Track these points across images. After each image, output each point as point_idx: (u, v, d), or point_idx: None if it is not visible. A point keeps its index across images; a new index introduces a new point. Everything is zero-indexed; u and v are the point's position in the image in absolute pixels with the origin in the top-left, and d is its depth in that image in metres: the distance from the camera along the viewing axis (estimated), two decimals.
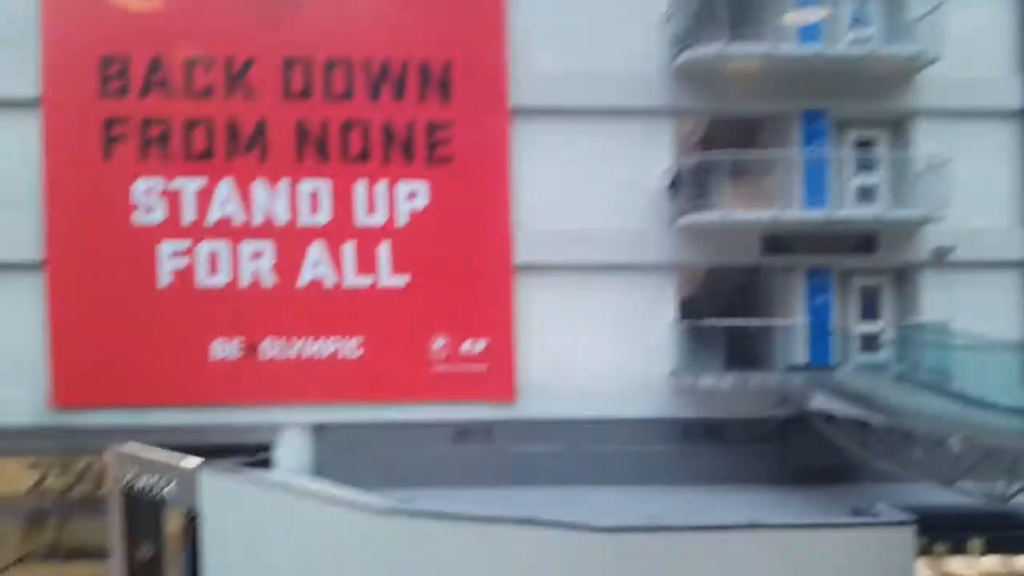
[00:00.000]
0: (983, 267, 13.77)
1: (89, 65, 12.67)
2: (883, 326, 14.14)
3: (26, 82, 12.65)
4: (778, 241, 13.45)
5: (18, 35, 12.70)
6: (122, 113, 12.69)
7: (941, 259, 13.61)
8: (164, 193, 12.72)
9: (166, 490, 15.27)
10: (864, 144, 14.09)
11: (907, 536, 10.02)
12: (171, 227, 12.72)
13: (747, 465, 13.48)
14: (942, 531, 11.72)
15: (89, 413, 12.73)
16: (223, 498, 12.41)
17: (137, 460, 15.89)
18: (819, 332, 13.58)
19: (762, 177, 13.43)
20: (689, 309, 15.41)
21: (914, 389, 11.57)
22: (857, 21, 13.50)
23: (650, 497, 12.54)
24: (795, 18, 13.19)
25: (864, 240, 13.49)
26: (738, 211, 12.80)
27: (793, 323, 13.44)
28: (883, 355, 14.00)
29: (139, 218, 12.69)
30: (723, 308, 15.60)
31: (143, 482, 15.76)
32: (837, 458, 12.95)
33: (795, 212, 12.77)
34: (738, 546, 9.95)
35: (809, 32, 13.16)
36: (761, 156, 13.45)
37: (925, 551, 11.49)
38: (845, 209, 13.22)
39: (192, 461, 13.46)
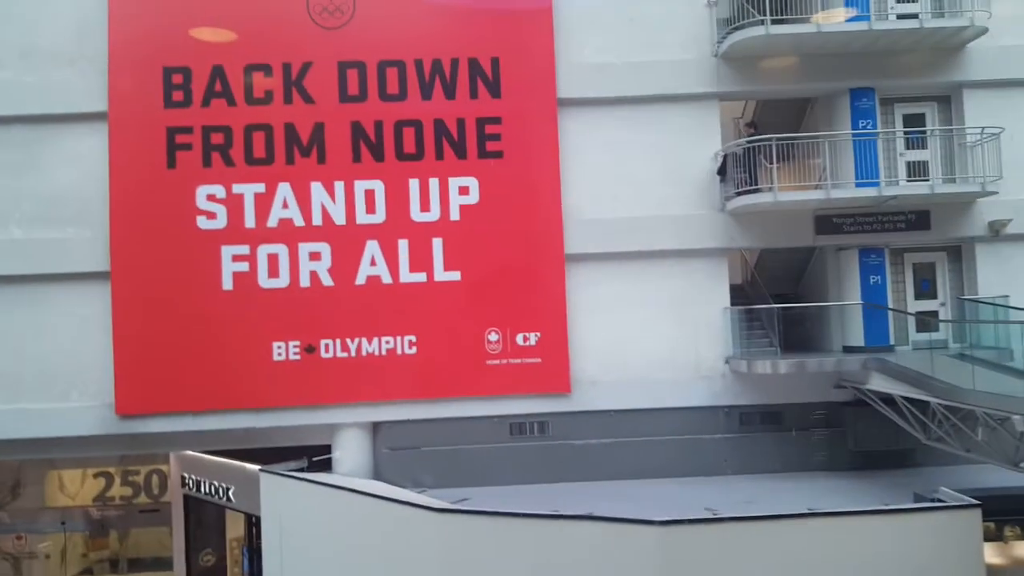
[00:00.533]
0: None
1: (153, 77, 13.22)
2: (940, 303, 13.99)
3: (93, 97, 13.23)
4: (830, 222, 13.43)
5: (86, 51, 13.32)
6: (185, 122, 13.19)
7: (996, 233, 13.45)
8: (226, 199, 13.14)
9: (227, 495, 15.66)
10: (913, 119, 14.03)
11: (974, 520, 9.84)
12: (233, 232, 13.12)
13: (806, 452, 13.39)
14: (1011, 514, 11.42)
15: (153, 420, 13.06)
16: (283, 501, 12.68)
17: (198, 466, 16.35)
18: (875, 312, 13.44)
19: (812, 158, 13.44)
20: (743, 293, 15.50)
21: (974, 367, 11.39)
22: None
23: (708, 488, 12.51)
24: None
25: (917, 217, 13.40)
26: (788, 193, 12.78)
27: (848, 304, 13.32)
28: (940, 333, 13.90)
29: (202, 224, 13.12)
30: (777, 290, 15.68)
31: (204, 488, 16.21)
32: (898, 442, 12.82)
33: (846, 192, 12.70)
34: (798, 535, 9.86)
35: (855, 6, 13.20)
36: (809, 138, 13.46)
37: (993, 536, 11.19)
38: (897, 185, 13.14)
39: (252, 466, 13.81)
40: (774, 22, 12.75)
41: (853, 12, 12.98)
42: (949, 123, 13.94)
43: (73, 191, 13.29)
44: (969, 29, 12.82)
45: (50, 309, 13.22)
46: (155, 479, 17.91)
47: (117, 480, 17.98)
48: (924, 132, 13.56)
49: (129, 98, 13.21)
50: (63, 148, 13.34)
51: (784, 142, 13.03)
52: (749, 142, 13.06)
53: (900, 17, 13.69)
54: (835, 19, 13.07)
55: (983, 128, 12.83)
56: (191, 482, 16.75)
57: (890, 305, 13.67)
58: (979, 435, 10.48)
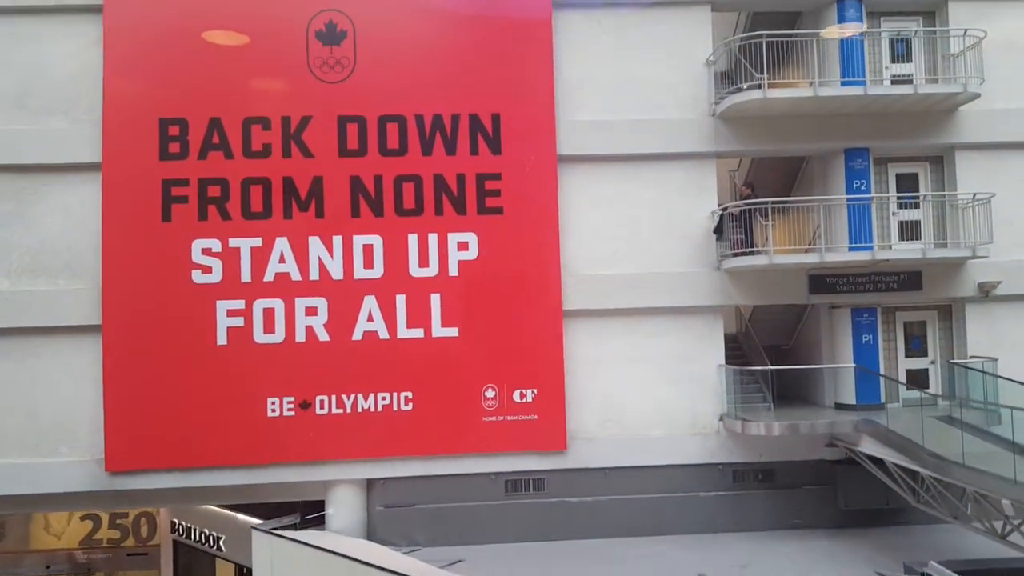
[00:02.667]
0: None
1: (149, 128, 13.08)
2: (930, 361, 14.20)
3: (87, 147, 13.05)
4: (824, 281, 13.58)
5: (80, 101, 13.16)
6: (181, 175, 13.05)
7: (986, 294, 13.69)
8: (222, 252, 13.02)
9: (218, 544, 15.52)
10: (907, 178, 14.26)
11: None
12: (228, 286, 12.99)
13: (798, 509, 13.53)
14: None
15: (144, 476, 12.86)
16: (276, 557, 12.57)
17: (189, 512, 16.18)
18: (867, 373, 13.61)
19: (807, 218, 13.60)
20: (736, 344, 15.65)
21: (963, 430, 11.54)
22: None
23: (702, 549, 12.58)
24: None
25: (909, 277, 13.60)
26: (783, 255, 12.92)
27: (841, 367, 13.50)
28: (931, 390, 14.11)
29: (197, 278, 12.98)
30: (771, 341, 15.86)
31: (195, 535, 16.04)
32: (888, 502, 13.06)
33: (840, 256, 12.86)
34: None
35: (850, 71, 13.40)
36: (804, 201, 13.62)
37: None
38: (889, 249, 13.33)
39: (244, 517, 13.69)
40: (771, 82, 12.90)
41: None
42: (942, 183, 14.18)
43: (65, 242, 13.12)
44: (962, 94, 13.05)
45: (40, 362, 13.02)
46: (144, 522, 17.69)
47: (105, 523, 17.75)
48: (917, 197, 13.75)
49: (124, 149, 13.05)
50: (55, 198, 13.17)
51: (779, 205, 13.16)
52: (745, 203, 13.17)
53: (895, 80, 13.95)
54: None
55: (975, 194, 13.04)
56: (181, 528, 16.58)
57: (881, 361, 13.86)
58: (968, 510, 10.64)
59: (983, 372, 12.47)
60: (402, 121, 13.37)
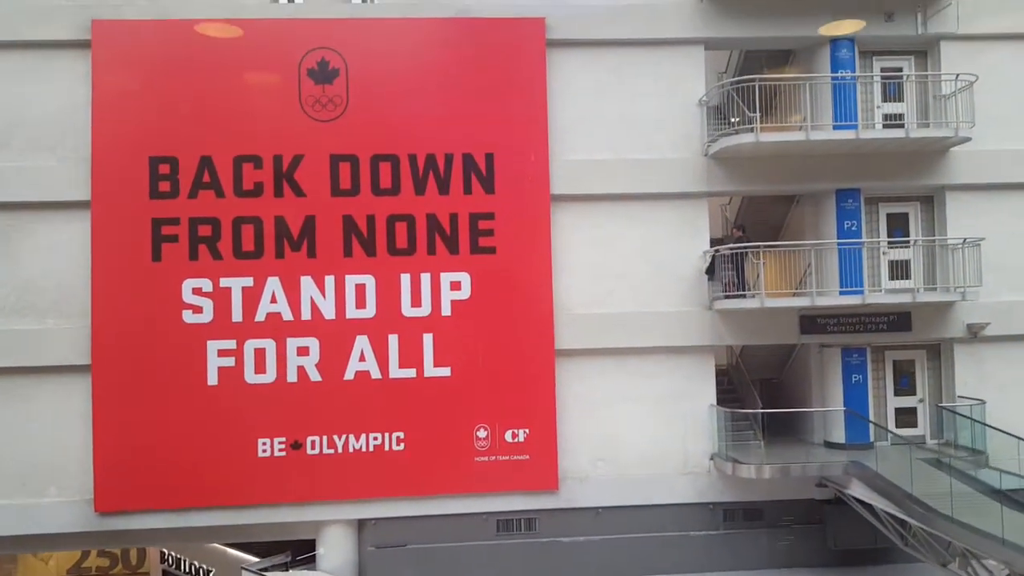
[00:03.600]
0: (1017, 340, 13.98)
1: (138, 166, 12.95)
2: (918, 400, 14.32)
3: (76, 185, 12.90)
4: (815, 322, 13.66)
5: (68, 138, 13.01)
6: (171, 213, 12.95)
7: (975, 335, 13.81)
8: (213, 292, 12.93)
9: None
10: (897, 218, 14.34)
11: None
12: (219, 326, 12.91)
13: (788, 548, 13.65)
14: None
15: (133, 516, 12.77)
16: None
17: (180, 546, 16.11)
18: (856, 409, 13.71)
19: (798, 258, 13.69)
20: (727, 377, 15.74)
21: (952, 480, 11.67)
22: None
23: None
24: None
25: (899, 318, 13.70)
26: (774, 299, 12.98)
27: (831, 410, 13.60)
28: (919, 429, 14.25)
29: (187, 318, 12.89)
30: (762, 375, 15.97)
31: (184, 567, 15.98)
32: (876, 542, 13.16)
33: (830, 299, 12.95)
34: None
35: (842, 113, 13.46)
36: (795, 246, 13.69)
37: None
38: (880, 293, 13.41)
39: (234, 552, 13.65)
40: (764, 126, 12.94)
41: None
42: (932, 222, 14.28)
43: (53, 281, 12.98)
44: (953, 138, 13.13)
45: (28, 403, 12.89)
46: (134, 550, 17.58)
47: (94, 551, 17.63)
48: (907, 242, 13.85)
49: (113, 187, 12.92)
50: (43, 237, 13.03)
51: (772, 249, 13.23)
52: (736, 247, 13.22)
53: (887, 120, 14.02)
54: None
55: (964, 239, 13.15)
56: (171, 559, 16.51)
57: (870, 399, 13.96)
58: (956, 564, 10.76)
59: (971, 419, 12.59)
60: (395, 160, 13.31)
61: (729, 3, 13.63)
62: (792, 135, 13.00)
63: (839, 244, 13.25)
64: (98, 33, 13.01)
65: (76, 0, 13.17)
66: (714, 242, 14.73)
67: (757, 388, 15.32)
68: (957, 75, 13.20)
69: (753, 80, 13.02)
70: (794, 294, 13.23)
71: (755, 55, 14.91)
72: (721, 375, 14.98)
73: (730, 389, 15.53)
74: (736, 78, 13.61)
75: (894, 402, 14.27)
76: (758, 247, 13.02)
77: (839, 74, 13.42)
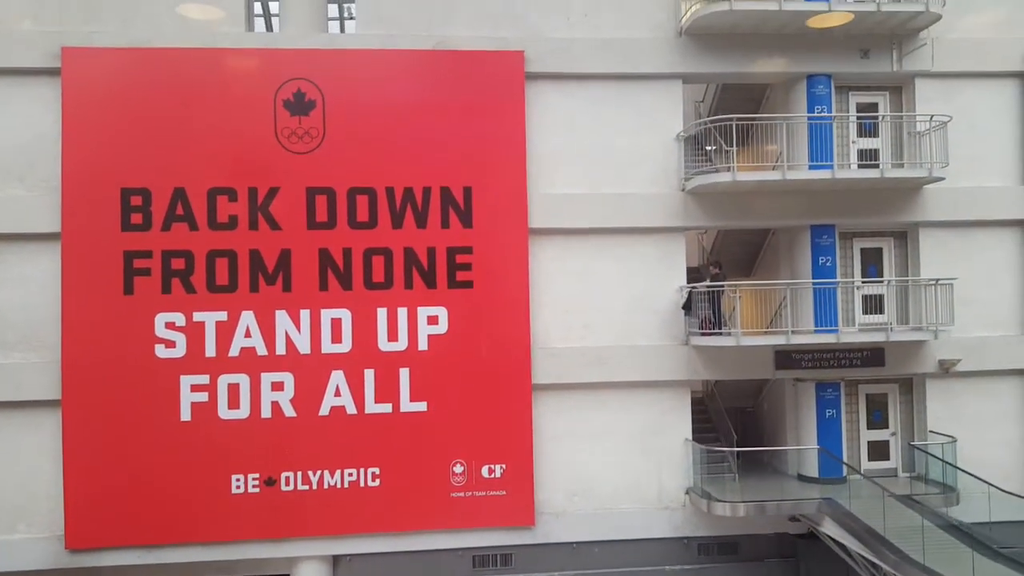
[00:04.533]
0: (988, 375, 14.20)
1: (110, 198, 12.73)
2: (891, 433, 14.49)
3: (45, 216, 12.66)
4: (789, 357, 13.75)
5: (37, 168, 12.77)
6: (144, 246, 12.75)
7: (946, 371, 13.99)
8: (186, 327, 12.77)
9: None
10: (871, 253, 14.48)
11: None
12: (192, 361, 12.75)
13: None
14: None
15: (105, 553, 12.61)
16: None
17: None
18: (830, 444, 13.86)
19: (773, 291, 13.78)
20: (702, 406, 15.82)
21: (923, 515, 11.83)
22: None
23: None
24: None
25: (872, 354, 13.81)
26: (750, 337, 13.06)
27: (805, 448, 13.74)
28: (891, 462, 14.44)
29: (160, 353, 12.72)
30: (736, 403, 16.10)
31: None
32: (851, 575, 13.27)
33: (806, 338, 13.06)
34: None
35: (818, 151, 13.55)
36: (771, 285, 13.79)
37: None
38: (854, 332, 13.54)
39: None
40: (739, 165, 13.01)
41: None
42: (906, 257, 14.43)
43: (22, 314, 12.76)
44: (927, 177, 13.26)
45: None
46: None
47: None
48: (880, 281, 13.99)
49: (84, 219, 12.69)
50: (12, 269, 12.79)
51: (750, 288, 13.31)
52: (712, 285, 13.28)
53: (861, 158, 14.13)
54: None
55: (937, 280, 13.30)
56: None
57: (843, 432, 14.12)
58: None
59: (942, 460, 12.77)
60: (372, 193, 13.21)
61: (706, 39, 13.66)
62: (769, 175, 13.07)
63: (814, 284, 13.36)
64: (68, 60, 12.76)
65: (45, 26, 12.95)
66: (690, 271, 14.83)
67: (732, 418, 15.46)
68: (931, 116, 13.33)
69: (731, 119, 13.06)
70: (770, 332, 13.30)
71: (732, 88, 14.96)
72: (696, 403, 15.02)
73: (705, 419, 15.62)
74: (713, 117, 13.65)
75: (867, 435, 14.43)
76: (736, 286, 13.08)
77: (815, 113, 13.50)
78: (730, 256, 16.04)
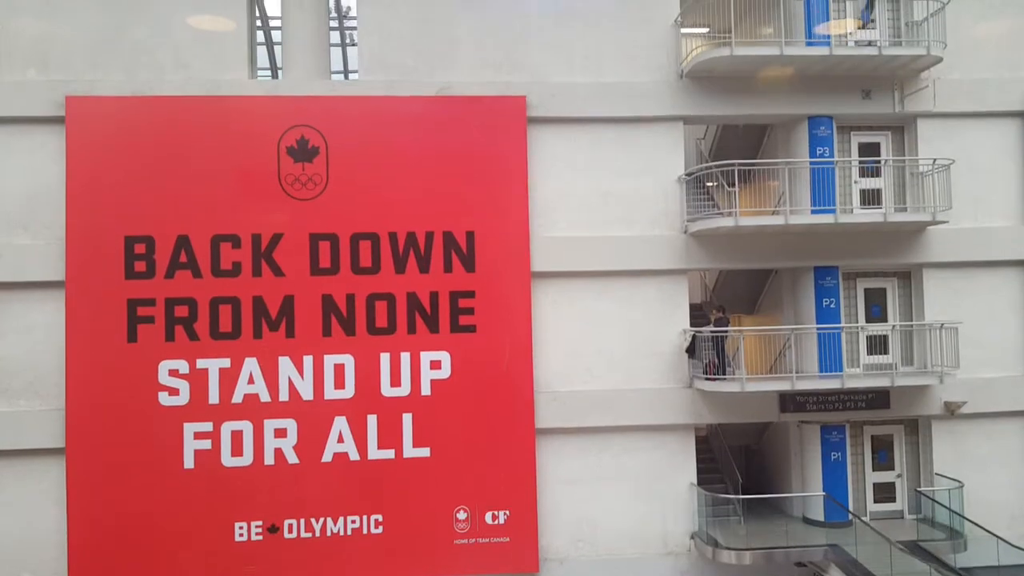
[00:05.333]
0: (995, 417, 14.10)
1: (114, 246, 12.78)
2: (896, 475, 14.40)
3: (49, 264, 12.71)
4: (794, 400, 13.69)
5: (41, 216, 12.83)
6: (147, 294, 12.78)
7: (952, 412, 13.91)
8: (189, 374, 12.78)
9: None
10: (875, 293, 14.44)
11: None
12: (196, 408, 12.76)
13: None
14: None
15: None
16: None
17: None
18: (836, 485, 13.78)
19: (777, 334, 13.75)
20: (706, 444, 15.76)
21: (928, 562, 11.74)
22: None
23: None
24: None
25: (877, 396, 13.74)
26: (755, 382, 13.02)
27: (810, 494, 13.67)
28: (897, 504, 14.34)
29: (163, 400, 12.73)
30: (740, 442, 16.03)
31: None
32: None
33: (810, 382, 13.01)
34: None
35: (821, 194, 13.55)
36: (775, 330, 13.76)
37: None
38: (859, 377, 13.44)
39: None
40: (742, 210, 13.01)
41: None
42: (910, 297, 14.38)
43: (27, 362, 12.79)
44: (930, 219, 13.24)
45: (1, 485, 12.68)
46: None
47: None
48: (886, 327, 13.94)
49: (88, 267, 12.74)
50: (16, 317, 12.83)
51: (753, 334, 13.28)
52: (716, 331, 13.24)
53: (864, 197, 14.12)
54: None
55: (942, 324, 13.25)
56: None
57: (849, 475, 14.04)
58: None
59: (949, 509, 12.68)
60: (375, 239, 13.23)
61: (708, 82, 13.69)
62: (771, 219, 13.05)
63: (818, 329, 13.31)
64: (72, 109, 12.85)
65: (49, 75, 13.03)
66: (693, 307, 14.78)
67: (736, 455, 15.39)
68: (934, 160, 13.33)
69: (732, 165, 13.08)
70: (774, 378, 13.24)
71: (733, 127, 14.99)
72: (700, 441, 14.99)
73: (709, 457, 15.56)
74: (716, 163, 13.66)
75: (873, 477, 14.35)
76: (740, 331, 13.05)
77: (817, 157, 13.50)
78: (733, 292, 16.04)
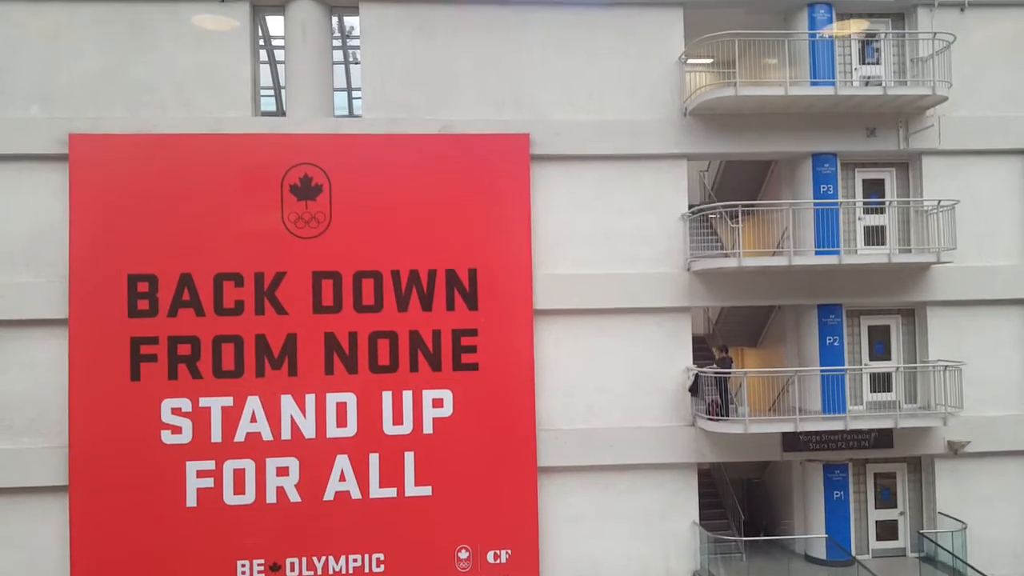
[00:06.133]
0: (999, 456, 14.06)
1: (116, 284, 12.79)
2: (899, 513, 14.36)
3: (52, 303, 12.71)
4: (797, 439, 13.65)
5: (44, 254, 12.84)
6: (150, 332, 12.79)
7: (955, 452, 13.88)
8: (192, 412, 12.79)
9: None
10: (879, 330, 14.39)
11: None
12: (198, 447, 12.76)
13: None
14: None
15: None
16: None
17: None
18: (838, 523, 13.76)
19: (781, 385, 13.71)
20: (707, 478, 15.74)
21: None
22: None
23: None
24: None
25: (880, 435, 13.69)
26: (758, 424, 12.99)
27: (812, 536, 13.64)
28: (899, 541, 14.31)
29: (166, 439, 12.74)
30: (743, 475, 16.00)
31: None
32: None
33: (814, 423, 12.98)
34: None
35: (825, 235, 13.52)
36: (778, 372, 13.73)
37: None
38: (862, 418, 13.38)
39: None
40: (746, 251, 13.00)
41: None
42: (914, 334, 14.35)
43: (30, 399, 12.80)
44: (934, 258, 13.20)
45: (2, 524, 12.70)
46: None
47: None
48: (889, 367, 13.90)
49: (90, 305, 12.74)
50: (19, 355, 12.83)
51: (756, 376, 13.26)
52: (719, 372, 13.22)
53: (868, 233, 14.09)
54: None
55: (946, 366, 13.21)
56: None
57: (851, 513, 14.02)
58: None
59: (952, 554, 12.65)
60: (378, 277, 13.23)
61: (711, 119, 13.66)
62: (775, 260, 13.02)
63: (822, 371, 13.29)
64: (75, 147, 12.85)
65: (52, 113, 13.03)
66: (696, 340, 14.75)
67: (738, 488, 15.37)
68: (939, 201, 13.28)
69: (736, 206, 13.05)
70: (777, 419, 13.20)
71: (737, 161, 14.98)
72: (702, 475, 14.95)
73: (711, 491, 15.53)
74: (719, 203, 13.64)
75: (875, 515, 14.31)
76: (746, 373, 13.05)
77: (821, 198, 13.47)
78: (736, 326, 16.02)
